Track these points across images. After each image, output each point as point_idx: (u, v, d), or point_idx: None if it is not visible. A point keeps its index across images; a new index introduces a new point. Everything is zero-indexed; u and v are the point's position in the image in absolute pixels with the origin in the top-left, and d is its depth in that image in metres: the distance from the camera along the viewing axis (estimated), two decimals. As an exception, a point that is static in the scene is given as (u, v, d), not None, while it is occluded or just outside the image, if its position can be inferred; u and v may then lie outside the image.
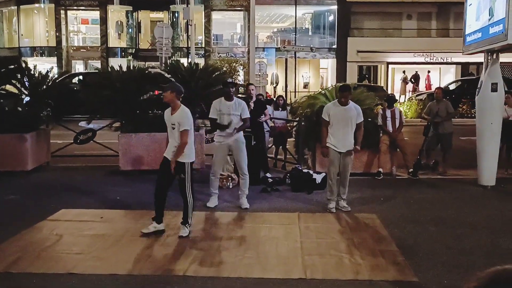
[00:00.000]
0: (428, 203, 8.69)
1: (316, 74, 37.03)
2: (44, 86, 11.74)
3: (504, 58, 26.51)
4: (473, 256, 6.02)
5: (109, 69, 12.05)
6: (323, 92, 11.95)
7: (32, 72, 11.64)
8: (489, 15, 8.81)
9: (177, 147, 6.59)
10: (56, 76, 12.90)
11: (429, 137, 11.35)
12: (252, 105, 9.87)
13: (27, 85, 11.70)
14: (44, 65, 21.57)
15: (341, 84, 8.82)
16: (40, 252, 6.04)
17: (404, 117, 11.82)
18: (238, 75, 30.61)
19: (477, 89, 9.79)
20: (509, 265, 1.32)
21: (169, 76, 11.36)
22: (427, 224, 7.36)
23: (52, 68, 12.71)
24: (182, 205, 6.71)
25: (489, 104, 9.54)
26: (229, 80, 8.47)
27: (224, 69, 25.41)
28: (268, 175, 10.06)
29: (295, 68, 30.94)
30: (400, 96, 30.78)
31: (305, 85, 34.77)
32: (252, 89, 10.83)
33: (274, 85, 34.47)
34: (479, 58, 10.58)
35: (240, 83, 29.38)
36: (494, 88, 9.43)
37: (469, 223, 7.46)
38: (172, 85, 6.99)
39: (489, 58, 9.48)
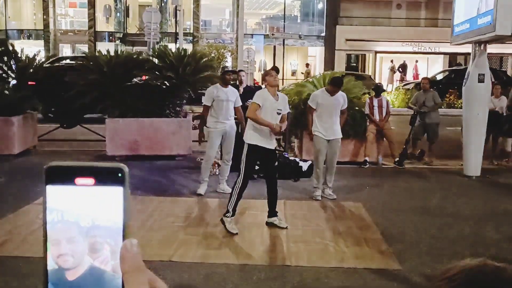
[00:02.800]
0: (413, 192, 8.77)
1: (304, 62, 36.98)
2: (32, 69, 11.67)
3: (493, 49, 26.70)
4: (456, 245, 6.10)
5: (97, 53, 11.96)
6: (310, 79, 11.98)
7: (19, 55, 11.54)
8: (478, 6, 8.85)
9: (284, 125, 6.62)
10: (43, 59, 12.79)
11: (416, 127, 11.42)
12: (241, 90, 9.91)
13: (14, 68, 11.59)
14: (31, 48, 21.30)
15: (334, 77, 8.77)
16: (26, 236, 6.03)
17: (391, 106, 11.89)
18: (226, 61, 30.49)
19: (464, 80, 9.85)
20: (483, 259, 1.34)
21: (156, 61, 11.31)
22: (412, 213, 7.43)
23: (39, 51, 12.60)
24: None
25: (476, 95, 9.60)
26: (228, 68, 8.67)
27: (212, 55, 25.34)
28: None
29: (283, 55, 30.88)
30: (387, 85, 30.86)
31: (293, 73, 34.73)
32: (243, 76, 10.82)
33: (262, 72, 34.40)
34: (467, 48, 10.63)
35: (229, 69, 29.30)
36: (481, 79, 9.50)
37: (454, 212, 7.54)
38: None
39: (477, 49, 9.54)
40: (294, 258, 5.52)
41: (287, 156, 10.25)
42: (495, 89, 11.03)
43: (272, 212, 6.59)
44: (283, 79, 31.55)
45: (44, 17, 34.69)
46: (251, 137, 6.45)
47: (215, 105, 8.02)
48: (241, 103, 8.29)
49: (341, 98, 7.97)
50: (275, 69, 10.98)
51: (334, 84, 7.94)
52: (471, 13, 9.19)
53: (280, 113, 6.45)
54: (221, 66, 27.67)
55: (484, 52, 9.50)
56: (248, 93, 10.25)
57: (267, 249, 5.78)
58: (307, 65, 34.45)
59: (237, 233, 6.17)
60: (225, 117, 8.05)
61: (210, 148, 8.19)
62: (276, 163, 6.61)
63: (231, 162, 8.31)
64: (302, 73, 33.61)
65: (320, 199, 7.99)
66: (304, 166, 9.67)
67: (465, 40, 9.70)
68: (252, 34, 35.84)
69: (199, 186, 8.18)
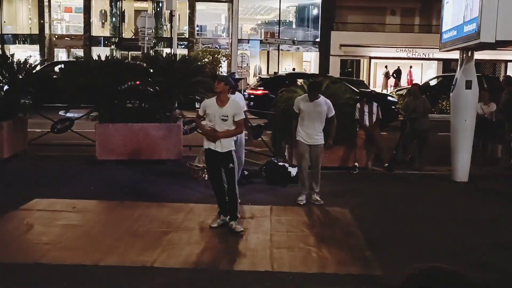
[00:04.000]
0: (401, 198, 8.80)
1: (299, 67, 37.06)
2: (23, 74, 11.66)
3: (486, 55, 26.76)
4: (439, 251, 6.12)
5: (87, 58, 11.99)
6: (300, 85, 12.01)
7: (9, 60, 11.53)
8: (464, 13, 8.91)
9: (230, 130, 6.59)
10: (35, 64, 12.80)
11: (406, 133, 11.47)
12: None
13: (4, 73, 11.60)
14: (26, 53, 21.33)
15: (311, 81, 8.86)
16: (8, 242, 6.03)
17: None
18: (221, 66, 30.54)
19: (452, 86, 9.91)
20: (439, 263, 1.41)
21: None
22: (397, 219, 7.46)
23: (30, 56, 12.60)
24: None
25: (463, 101, 9.65)
26: (236, 75, 8.77)
27: (207, 60, 25.37)
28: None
29: (278, 60, 30.95)
30: (381, 91, 30.94)
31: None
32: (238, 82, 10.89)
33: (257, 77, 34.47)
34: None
35: (224, 74, 29.35)
36: (468, 86, 9.55)
37: (439, 219, 7.57)
38: (226, 78, 6.90)
39: (464, 55, 9.60)
40: (277, 263, 5.53)
41: (276, 161, 10.27)
42: (484, 95, 11.08)
43: (232, 215, 6.68)
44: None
45: (40, 21, 34.74)
46: (203, 141, 6.78)
47: None
48: (246, 108, 8.42)
49: (324, 105, 7.96)
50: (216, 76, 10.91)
51: (311, 88, 8.04)
52: (458, 20, 9.25)
53: (226, 119, 6.53)
54: (217, 72, 27.74)
55: (471, 59, 9.56)
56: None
57: (250, 255, 5.79)
58: (293, 69, 34.51)
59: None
60: None
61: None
62: (231, 165, 6.60)
63: (241, 167, 8.49)
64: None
65: (302, 204, 7.99)
66: (293, 171, 9.67)
67: (452, 47, 9.75)
68: (248, 40, 35.94)
69: None
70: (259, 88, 18.81)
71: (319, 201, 8.09)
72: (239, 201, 6.85)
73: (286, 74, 22.22)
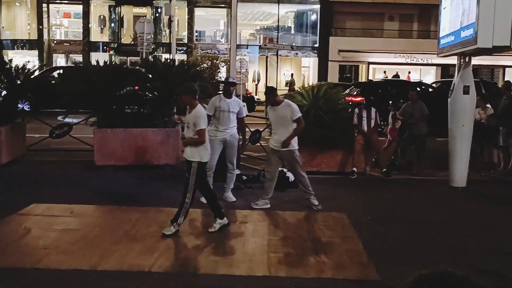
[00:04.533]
0: (399, 203, 8.81)
1: (298, 73, 37.14)
2: (21, 79, 11.68)
3: (484, 61, 26.80)
4: (437, 256, 6.12)
5: (85, 63, 12.02)
6: (300, 91, 12.05)
7: (8, 66, 11.55)
8: (461, 19, 8.95)
9: (192, 138, 6.61)
10: (34, 69, 12.82)
11: (404, 138, 11.48)
12: None
13: (3, 79, 11.62)
14: (25, 58, 21.33)
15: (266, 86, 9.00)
16: (6, 246, 6.03)
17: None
18: (220, 71, 30.58)
19: (450, 92, 9.94)
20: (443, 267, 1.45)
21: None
22: (395, 224, 7.47)
23: (28, 61, 12.61)
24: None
25: (461, 107, 9.67)
26: (231, 79, 8.84)
27: (205, 65, 25.40)
28: (237, 171, 10.06)
29: (277, 66, 31.01)
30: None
31: (287, 83, 34.85)
32: (232, 87, 10.84)
33: (256, 83, 34.54)
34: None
35: (222, 80, 29.36)
36: (466, 91, 9.58)
37: (437, 223, 7.58)
38: (185, 87, 6.88)
39: (462, 61, 9.63)
40: (274, 268, 5.54)
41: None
42: (479, 100, 11.10)
43: (173, 218, 6.64)
44: (276, 89, 31.63)
45: (39, 27, 34.81)
46: None
47: (217, 115, 8.24)
48: (245, 114, 8.43)
49: (287, 109, 7.83)
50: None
51: (265, 93, 8.26)
52: (455, 26, 9.29)
53: (188, 127, 6.63)
54: (215, 77, 27.75)
55: (468, 64, 9.59)
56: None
57: (247, 259, 5.79)
58: (292, 75, 34.62)
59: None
60: (225, 126, 8.23)
61: (211, 157, 8.21)
62: (186, 175, 6.64)
63: (235, 171, 8.51)
64: (286, 83, 33.75)
65: (256, 207, 7.91)
66: (291, 176, 9.68)
67: (450, 52, 9.79)
68: (247, 45, 36.02)
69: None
70: (358, 95, 18.76)
71: (317, 206, 8.05)
72: (185, 208, 6.64)
73: (383, 80, 22.77)
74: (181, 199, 6.62)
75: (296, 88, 23.41)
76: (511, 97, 11.45)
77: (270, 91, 8.21)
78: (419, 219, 7.79)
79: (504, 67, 33.90)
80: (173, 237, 6.47)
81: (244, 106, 8.86)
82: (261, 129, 12.07)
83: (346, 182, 10.27)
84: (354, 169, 10.72)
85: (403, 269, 5.64)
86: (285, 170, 10.04)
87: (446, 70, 33.29)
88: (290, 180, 9.58)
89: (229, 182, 8.51)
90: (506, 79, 27.48)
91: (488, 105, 11.60)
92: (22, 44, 36.14)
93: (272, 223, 7.26)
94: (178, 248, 6.12)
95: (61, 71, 21.41)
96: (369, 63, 34.16)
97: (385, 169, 10.88)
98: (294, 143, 7.95)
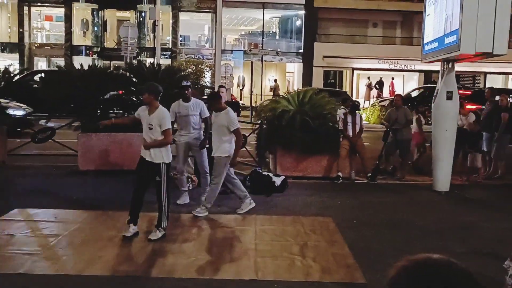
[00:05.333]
0: (384, 207, 8.86)
1: (283, 78, 37.24)
2: (3, 83, 11.58)
3: (466, 67, 27.13)
4: (422, 259, 6.16)
5: (69, 67, 11.93)
6: (286, 96, 12.09)
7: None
8: (444, 26, 9.06)
9: (156, 141, 6.55)
10: (15, 73, 12.71)
11: (388, 143, 11.57)
12: None
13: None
14: (5, 61, 21.10)
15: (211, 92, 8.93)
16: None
17: (366, 122, 12.03)
18: (204, 76, 30.55)
19: (433, 97, 10.04)
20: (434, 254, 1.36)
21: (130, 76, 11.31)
22: (380, 228, 7.51)
23: (10, 65, 12.50)
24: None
25: (444, 112, 9.78)
26: (184, 82, 8.70)
27: (190, 70, 25.38)
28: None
29: (261, 71, 31.06)
30: (364, 102, 31.21)
31: (271, 89, 34.93)
32: (222, 92, 10.91)
33: (241, 88, 34.55)
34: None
35: (207, 84, 29.34)
36: (449, 96, 9.68)
37: (421, 227, 7.64)
38: (148, 86, 6.80)
39: (445, 67, 9.74)
40: (261, 272, 5.53)
41: (260, 171, 10.29)
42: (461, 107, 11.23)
43: (157, 223, 6.62)
44: (261, 94, 31.72)
45: (20, 30, 34.45)
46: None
47: (178, 119, 8.34)
48: (208, 114, 8.39)
49: (224, 117, 7.65)
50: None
51: (207, 99, 8.25)
52: (439, 33, 9.40)
53: (151, 128, 6.55)
54: (200, 82, 27.72)
55: (452, 70, 9.70)
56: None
57: (234, 264, 5.79)
58: (275, 80, 34.63)
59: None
60: (186, 130, 8.36)
61: (177, 160, 8.40)
62: (158, 178, 6.58)
63: (208, 173, 8.43)
64: (270, 88, 33.79)
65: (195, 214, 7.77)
66: (277, 181, 9.72)
67: (434, 58, 9.90)
68: (232, 50, 36.02)
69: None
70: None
71: (197, 212, 7.72)
72: (166, 211, 6.65)
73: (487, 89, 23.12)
74: (158, 203, 6.60)
75: (280, 93, 23.55)
76: (494, 102, 11.60)
77: (213, 97, 8.06)
78: (404, 223, 7.84)
79: (485, 73, 34.32)
80: (159, 241, 6.44)
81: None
82: (246, 134, 12.07)
83: (331, 186, 10.31)
84: (339, 173, 10.77)
85: (388, 272, 5.67)
86: (271, 175, 10.07)
87: (429, 76, 33.62)
88: (276, 185, 9.61)
89: (205, 186, 8.46)
90: (487, 85, 27.85)
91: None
92: (2, 48, 35.69)
93: (259, 227, 7.25)
94: (164, 253, 6.08)
95: (43, 74, 21.25)
96: (353, 69, 34.36)
97: (370, 174, 10.95)
98: (225, 151, 7.68)
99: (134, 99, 11.45)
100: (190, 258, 5.92)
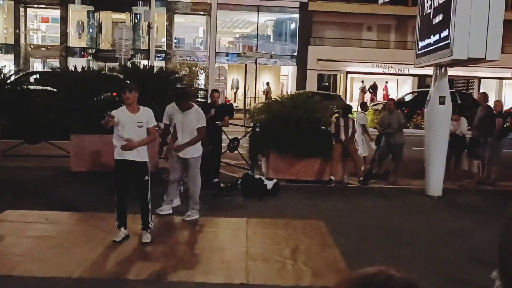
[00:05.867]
0: (376, 211, 8.87)
1: (277, 81, 37.27)
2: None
3: (460, 72, 27.30)
4: (412, 264, 6.18)
5: (63, 69, 11.91)
6: (278, 99, 12.11)
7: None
8: (438, 31, 9.09)
9: (145, 139, 6.48)
10: (10, 74, 12.66)
11: (381, 147, 11.59)
12: (212, 111, 9.89)
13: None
14: (1, 63, 21.01)
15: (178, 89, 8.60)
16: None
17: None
18: (198, 79, 30.52)
19: (426, 102, 10.08)
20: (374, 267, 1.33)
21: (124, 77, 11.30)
22: (372, 232, 7.52)
23: (5, 66, 12.46)
24: (130, 209, 6.64)
25: (437, 117, 9.81)
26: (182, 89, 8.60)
27: (184, 72, 25.36)
28: (217, 180, 10.04)
29: (255, 74, 31.06)
30: (358, 106, 31.25)
31: (265, 92, 34.94)
32: (216, 96, 10.74)
33: (235, 90, 34.56)
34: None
35: (201, 87, 29.33)
36: (442, 101, 9.71)
37: (412, 232, 7.65)
38: (133, 85, 6.70)
39: (438, 72, 9.77)
40: (252, 276, 5.53)
41: (252, 174, 10.29)
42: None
43: (143, 225, 6.58)
44: (255, 97, 31.73)
45: (16, 31, 34.37)
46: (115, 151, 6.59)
47: (172, 122, 8.00)
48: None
49: (194, 114, 7.56)
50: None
51: (175, 97, 7.86)
52: (432, 38, 9.42)
53: (142, 126, 6.45)
54: (194, 84, 27.69)
55: (445, 75, 9.74)
56: (220, 113, 10.24)
57: (225, 267, 5.78)
58: (268, 84, 34.55)
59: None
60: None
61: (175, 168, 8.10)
62: (147, 178, 6.53)
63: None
64: (263, 91, 33.78)
65: (161, 213, 7.78)
66: (269, 184, 9.71)
67: (426, 63, 9.94)
68: (227, 53, 36.04)
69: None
70: None
71: (189, 216, 7.67)
72: (151, 212, 6.67)
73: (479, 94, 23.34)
74: (143, 204, 6.54)
75: (273, 96, 23.58)
76: (487, 107, 11.65)
77: (182, 96, 7.76)
78: (395, 228, 7.85)
79: (479, 78, 34.45)
80: (150, 244, 6.42)
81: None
82: (239, 137, 12.06)
83: (324, 190, 10.31)
84: (332, 177, 10.77)
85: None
86: (263, 178, 10.07)
87: (423, 81, 33.73)
88: (268, 188, 9.61)
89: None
90: (481, 90, 27.99)
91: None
92: (-3, 49, 35.64)
93: (250, 231, 7.25)
94: (155, 255, 6.07)
95: (38, 76, 21.19)
96: (347, 72, 34.44)
97: (362, 178, 10.96)
98: (199, 150, 7.66)
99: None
100: (181, 261, 5.91)
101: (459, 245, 7.13)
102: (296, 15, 34.90)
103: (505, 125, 11.93)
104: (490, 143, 11.20)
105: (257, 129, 11.33)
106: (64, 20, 34.64)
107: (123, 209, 6.60)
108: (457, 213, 9.20)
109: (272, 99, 15.08)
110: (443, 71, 9.72)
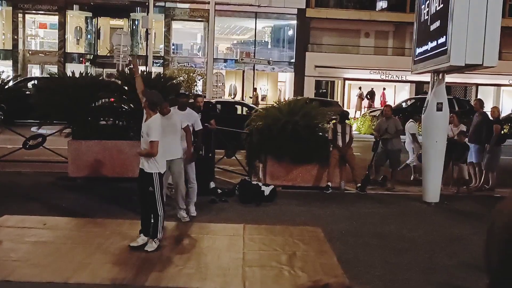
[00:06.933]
0: (373, 218, 8.87)
1: (274, 87, 37.34)
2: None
3: (457, 79, 27.39)
4: (409, 271, 6.19)
5: (61, 74, 11.92)
6: (276, 105, 12.12)
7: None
8: (435, 37, 9.13)
9: (144, 150, 6.50)
10: (8, 79, 12.67)
11: (378, 153, 11.61)
12: (199, 116, 9.90)
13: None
14: (-1, 68, 21.01)
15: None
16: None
17: (357, 132, 12.07)
18: (196, 85, 30.56)
19: (423, 108, 10.10)
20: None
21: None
22: (369, 239, 7.52)
23: (3, 71, 12.47)
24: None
25: (434, 123, 9.83)
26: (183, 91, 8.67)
27: (182, 78, 25.40)
28: (212, 184, 10.03)
29: (253, 80, 31.14)
30: (355, 112, 31.33)
31: (263, 98, 35.00)
32: (199, 102, 10.72)
33: (232, 96, 34.60)
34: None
35: (199, 93, 29.38)
36: (439, 108, 9.74)
37: (410, 238, 7.66)
38: (147, 94, 6.74)
39: (435, 78, 9.81)
40: (248, 282, 5.53)
41: (249, 180, 10.30)
42: (453, 117, 11.31)
43: (152, 233, 6.55)
44: (252, 103, 31.77)
45: (14, 37, 34.40)
46: None
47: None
48: (201, 127, 8.37)
49: (174, 115, 7.63)
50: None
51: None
52: (429, 44, 9.47)
53: (143, 136, 6.53)
54: (192, 90, 27.72)
55: (442, 81, 9.77)
56: (206, 116, 10.23)
57: (221, 273, 5.77)
58: (255, 89, 34.35)
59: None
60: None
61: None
62: (150, 189, 6.52)
63: (195, 183, 8.28)
64: (250, 97, 33.72)
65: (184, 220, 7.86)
66: (266, 190, 9.72)
67: (424, 69, 9.97)
68: (224, 59, 36.12)
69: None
70: None
71: (184, 218, 7.89)
72: (162, 222, 6.61)
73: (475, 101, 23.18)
74: (153, 214, 6.52)
75: (271, 102, 23.57)
76: (483, 114, 11.69)
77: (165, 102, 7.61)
78: (393, 234, 7.86)
79: (477, 85, 34.54)
80: (147, 250, 6.42)
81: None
82: (235, 143, 12.09)
83: (321, 196, 10.31)
84: (329, 183, 10.77)
85: (376, 283, 5.69)
86: (260, 184, 10.08)
87: (420, 87, 33.81)
88: (265, 194, 9.61)
89: (191, 195, 8.30)
90: (478, 97, 28.05)
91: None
92: (-5, 54, 35.66)
93: (247, 237, 7.25)
94: (152, 261, 6.06)
95: (36, 81, 21.22)
96: (345, 79, 34.50)
97: (359, 184, 10.96)
98: (182, 150, 7.73)
99: (125, 107, 11.46)
100: (177, 267, 5.91)
101: (457, 251, 7.14)
102: (294, 22, 34.99)
103: (502, 131, 11.96)
104: (488, 149, 11.23)
105: (253, 136, 11.28)
106: (62, 26, 34.68)
107: (142, 216, 6.66)
108: (455, 219, 9.19)
109: (260, 105, 15.05)
110: (440, 77, 9.75)
